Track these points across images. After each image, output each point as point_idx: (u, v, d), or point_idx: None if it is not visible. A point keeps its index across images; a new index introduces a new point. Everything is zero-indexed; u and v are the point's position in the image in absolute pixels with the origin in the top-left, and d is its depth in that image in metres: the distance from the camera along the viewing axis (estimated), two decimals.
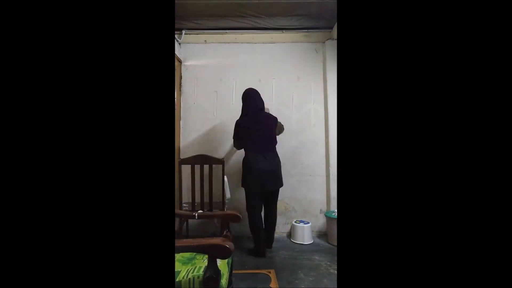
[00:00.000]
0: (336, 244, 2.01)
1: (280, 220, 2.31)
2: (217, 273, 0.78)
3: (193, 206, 1.92)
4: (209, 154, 2.35)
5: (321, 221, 2.29)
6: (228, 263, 0.97)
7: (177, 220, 1.86)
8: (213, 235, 2.02)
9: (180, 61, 2.37)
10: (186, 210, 1.94)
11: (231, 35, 2.41)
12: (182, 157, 2.34)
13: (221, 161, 1.84)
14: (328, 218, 2.10)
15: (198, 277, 0.82)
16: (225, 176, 1.92)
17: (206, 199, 1.98)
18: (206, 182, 1.95)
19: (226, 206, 1.88)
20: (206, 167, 1.94)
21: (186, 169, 2.00)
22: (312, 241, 2.10)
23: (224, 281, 0.84)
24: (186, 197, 2.07)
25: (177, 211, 1.19)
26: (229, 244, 0.72)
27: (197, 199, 1.93)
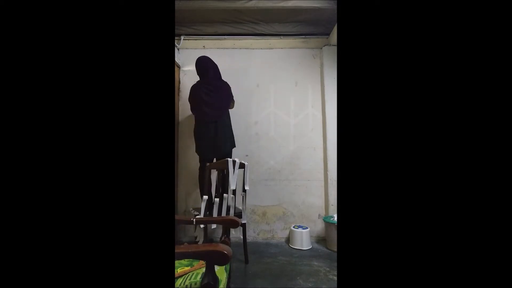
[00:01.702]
0: (335, 249, 2.00)
1: (278, 225, 2.31)
2: (215, 279, 0.77)
3: (220, 209, 1.82)
4: None
5: (319, 226, 2.28)
6: (226, 269, 0.95)
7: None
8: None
9: (178, 67, 2.38)
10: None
11: (229, 41, 2.43)
12: (180, 161, 2.33)
13: (242, 165, 1.80)
14: (327, 223, 2.09)
15: (196, 283, 0.80)
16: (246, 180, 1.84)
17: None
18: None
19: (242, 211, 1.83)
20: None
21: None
22: (311, 247, 2.09)
23: (222, 287, 0.83)
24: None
25: (175, 216, 1.18)
26: (227, 250, 0.71)
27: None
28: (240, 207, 1.84)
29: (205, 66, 1.98)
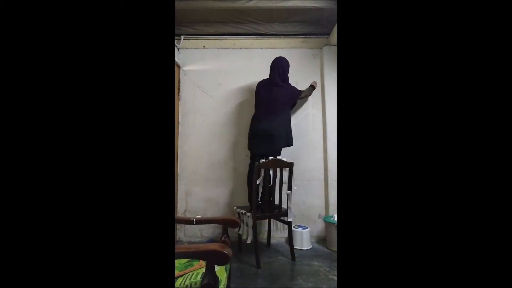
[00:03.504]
0: (335, 249, 2.00)
1: (279, 224, 2.30)
2: (215, 279, 0.77)
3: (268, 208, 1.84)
4: (207, 158, 2.35)
5: (319, 226, 2.28)
6: (226, 269, 0.95)
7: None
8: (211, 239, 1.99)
9: (178, 66, 2.38)
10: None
11: (229, 41, 2.43)
12: (180, 161, 2.33)
13: (289, 165, 1.84)
14: (327, 223, 2.09)
15: (196, 283, 0.80)
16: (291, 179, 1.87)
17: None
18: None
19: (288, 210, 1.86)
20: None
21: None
22: (311, 246, 2.09)
23: (222, 287, 0.83)
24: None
25: (175, 216, 1.18)
26: (227, 250, 0.71)
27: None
28: (285, 206, 1.88)
29: (272, 65, 2.08)
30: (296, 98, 2.11)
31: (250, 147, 2.04)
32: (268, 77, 2.10)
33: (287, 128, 2.03)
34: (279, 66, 2.07)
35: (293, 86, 2.11)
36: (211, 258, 0.73)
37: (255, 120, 2.02)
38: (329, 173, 2.25)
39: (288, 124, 2.05)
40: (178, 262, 0.95)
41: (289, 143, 2.04)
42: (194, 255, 0.78)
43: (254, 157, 1.93)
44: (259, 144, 1.95)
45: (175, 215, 1.52)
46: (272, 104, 1.97)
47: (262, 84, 2.08)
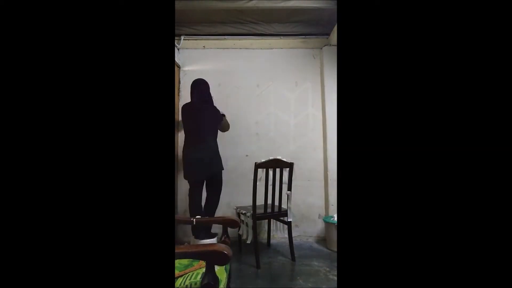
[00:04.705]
0: (335, 249, 2.00)
1: (279, 224, 2.30)
2: (215, 279, 0.77)
3: (265, 208, 1.83)
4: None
5: (319, 226, 2.28)
6: (226, 269, 0.95)
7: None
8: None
9: (178, 67, 2.38)
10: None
11: (229, 41, 2.43)
12: (180, 161, 2.33)
13: (289, 165, 1.85)
14: (327, 223, 2.09)
15: (196, 283, 0.80)
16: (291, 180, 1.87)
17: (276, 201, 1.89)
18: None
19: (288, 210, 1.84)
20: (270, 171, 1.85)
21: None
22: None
23: (222, 287, 0.83)
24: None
25: (175, 216, 1.18)
26: (227, 250, 0.71)
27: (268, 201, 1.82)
28: (285, 206, 1.87)
29: (192, 88, 1.99)
30: (220, 121, 2.03)
31: (187, 175, 1.91)
32: (190, 100, 2.01)
33: (216, 153, 1.96)
34: (197, 88, 1.97)
35: (216, 109, 2.00)
36: (211, 258, 0.73)
37: (186, 147, 1.93)
38: (329, 173, 2.25)
39: (216, 149, 1.97)
40: (178, 262, 0.95)
41: (220, 167, 1.97)
42: (194, 255, 0.77)
43: (193, 184, 1.89)
44: (195, 172, 1.88)
45: (175, 215, 1.52)
46: (199, 130, 1.90)
47: (185, 109, 1.96)
